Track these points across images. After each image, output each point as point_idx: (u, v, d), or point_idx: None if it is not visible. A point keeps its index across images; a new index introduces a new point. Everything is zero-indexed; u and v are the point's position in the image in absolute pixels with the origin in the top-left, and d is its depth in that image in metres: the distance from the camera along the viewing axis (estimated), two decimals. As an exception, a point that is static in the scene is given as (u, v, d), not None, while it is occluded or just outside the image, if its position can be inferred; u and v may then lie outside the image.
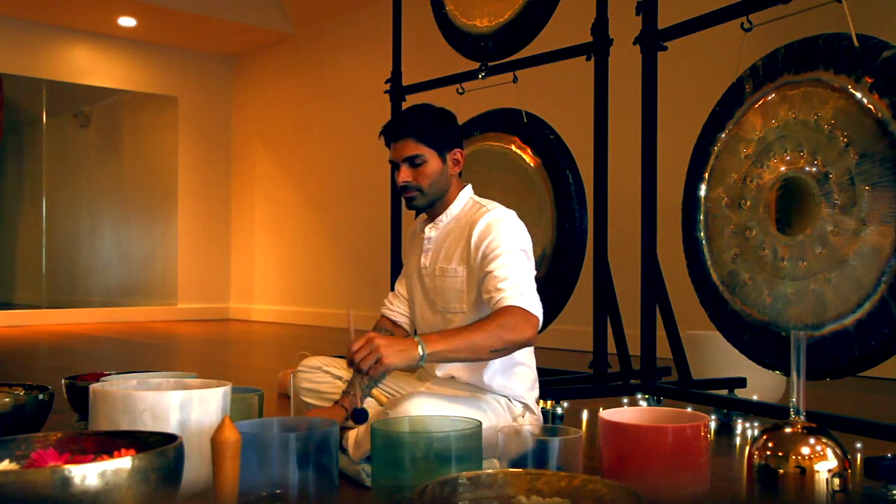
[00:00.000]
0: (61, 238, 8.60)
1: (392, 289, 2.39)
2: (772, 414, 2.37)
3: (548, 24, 3.14)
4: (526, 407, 2.05)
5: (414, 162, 2.04)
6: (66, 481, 1.19)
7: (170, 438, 1.43)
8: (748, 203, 2.36)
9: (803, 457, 1.51)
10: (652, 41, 2.78)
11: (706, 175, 2.52)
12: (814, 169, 2.16)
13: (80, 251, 8.84)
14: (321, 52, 7.76)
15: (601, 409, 1.85)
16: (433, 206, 2.12)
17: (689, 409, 1.89)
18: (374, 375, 1.70)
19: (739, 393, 2.87)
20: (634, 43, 2.82)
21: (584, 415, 2.85)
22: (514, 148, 3.26)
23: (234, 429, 1.45)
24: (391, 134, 2.08)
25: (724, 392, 2.85)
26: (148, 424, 1.56)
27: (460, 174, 2.14)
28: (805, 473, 1.51)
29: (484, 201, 2.09)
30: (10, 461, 1.41)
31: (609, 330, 2.97)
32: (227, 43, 8.30)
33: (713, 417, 2.66)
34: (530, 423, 1.99)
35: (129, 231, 8.85)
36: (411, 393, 1.91)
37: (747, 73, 2.40)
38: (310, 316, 7.66)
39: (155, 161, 8.78)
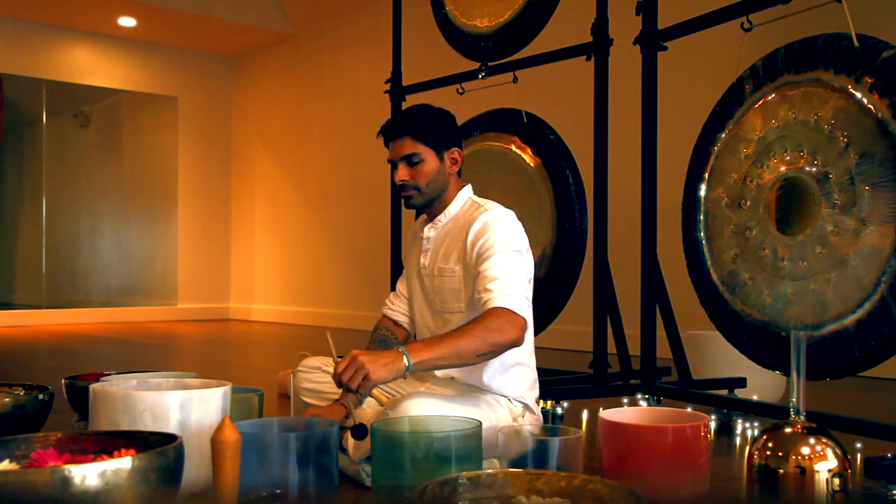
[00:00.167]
0: (61, 238, 8.60)
1: (393, 289, 2.39)
2: (772, 414, 2.37)
3: (548, 24, 3.14)
4: (526, 407, 2.05)
5: (411, 160, 2.05)
6: (66, 481, 1.19)
7: (170, 438, 1.43)
8: (748, 203, 2.36)
9: (803, 457, 1.51)
10: (652, 41, 2.78)
11: (706, 175, 2.52)
12: (814, 169, 2.16)
13: (80, 251, 8.84)
14: (321, 52, 7.76)
15: (601, 409, 1.85)
16: (432, 206, 2.12)
17: (689, 409, 1.89)
18: (363, 392, 1.71)
19: (739, 393, 2.87)
20: (634, 43, 2.82)
21: (584, 415, 2.85)
22: (514, 148, 3.26)
23: (234, 429, 1.45)
24: (389, 133, 2.09)
25: (724, 392, 2.84)
26: (148, 424, 1.55)
27: (459, 174, 2.14)
28: (805, 473, 1.51)
29: (483, 201, 2.09)
30: (10, 461, 1.41)
31: (609, 330, 2.97)
32: (227, 43, 8.31)
33: (713, 417, 2.66)
34: (530, 423, 1.99)
35: (129, 231, 8.85)
36: (411, 393, 1.91)
37: (747, 73, 2.40)
38: (310, 316, 7.66)
39: (155, 161, 8.78)
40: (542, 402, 2.55)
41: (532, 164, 3.19)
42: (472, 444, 1.54)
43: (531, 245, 2.08)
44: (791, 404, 1.62)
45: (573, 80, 4.51)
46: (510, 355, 1.99)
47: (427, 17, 3.58)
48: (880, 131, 2.00)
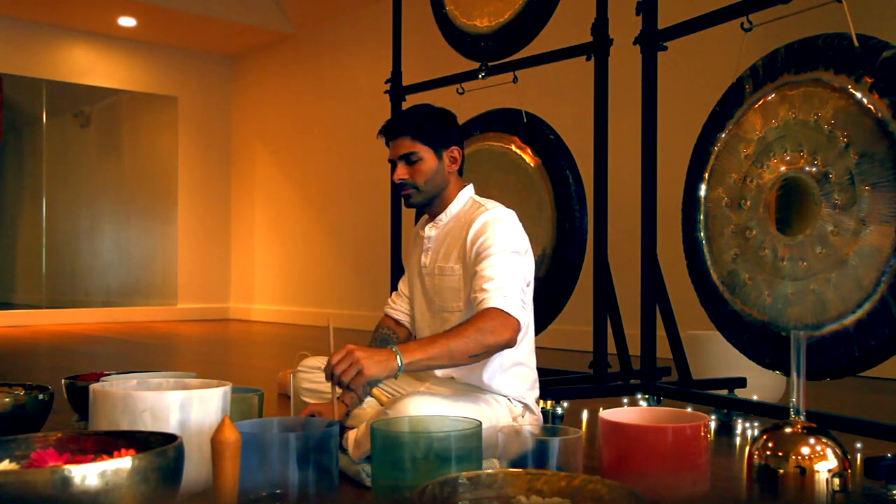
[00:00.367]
0: (61, 238, 8.60)
1: (394, 288, 2.40)
2: (772, 414, 2.37)
3: (548, 24, 3.14)
4: (526, 407, 2.05)
5: (410, 159, 2.06)
6: (66, 481, 1.19)
7: (170, 438, 1.43)
8: (748, 203, 2.36)
9: (803, 457, 1.51)
10: (652, 41, 2.78)
11: (706, 175, 2.52)
12: (814, 169, 2.16)
13: (80, 251, 8.85)
14: (321, 52, 7.76)
15: (601, 409, 1.85)
16: (432, 205, 2.13)
17: (689, 409, 1.89)
18: (354, 388, 1.71)
19: (739, 393, 2.87)
20: (634, 43, 2.82)
21: (584, 415, 2.85)
22: (514, 148, 3.26)
23: (234, 429, 1.45)
24: (388, 132, 2.10)
25: (724, 392, 2.84)
26: (148, 424, 1.55)
27: (460, 173, 2.14)
28: (805, 473, 1.51)
29: (484, 201, 2.09)
30: (10, 461, 1.41)
31: (609, 330, 2.97)
32: (227, 43, 8.31)
33: (713, 417, 2.66)
34: (530, 423, 1.99)
35: (129, 231, 8.85)
36: (411, 393, 1.91)
37: (747, 73, 2.40)
38: (310, 316, 7.66)
39: (155, 161, 8.79)
40: (542, 402, 2.55)
41: (532, 164, 3.19)
42: (472, 444, 1.54)
43: (531, 245, 2.08)
44: (791, 404, 1.62)
45: (573, 80, 4.51)
46: (510, 355, 1.99)
47: (427, 17, 3.58)
48: (880, 131, 2.00)
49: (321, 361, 2.30)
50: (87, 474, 1.21)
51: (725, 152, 2.46)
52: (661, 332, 2.80)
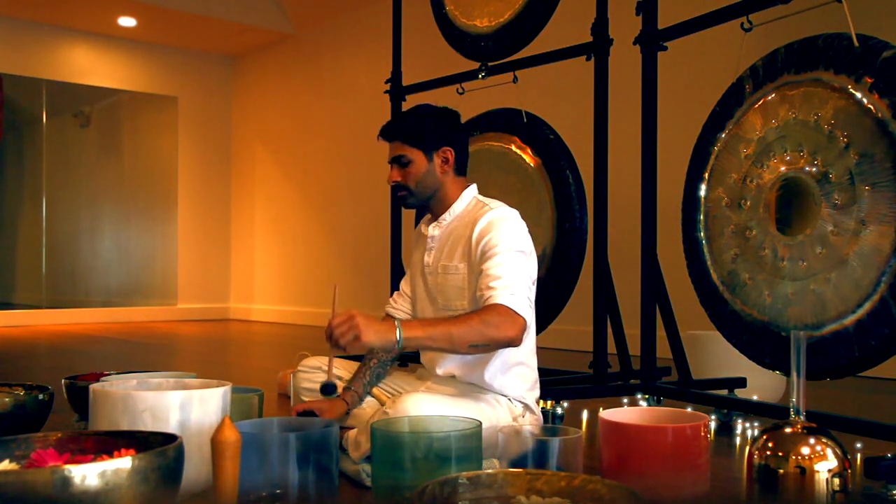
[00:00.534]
0: (61, 238, 8.60)
1: (395, 288, 2.40)
2: (772, 414, 2.37)
3: (548, 24, 3.14)
4: (526, 407, 2.05)
5: (401, 162, 2.09)
6: (66, 481, 1.19)
7: (170, 438, 1.43)
8: (748, 203, 2.36)
9: (803, 457, 1.51)
10: (652, 41, 2.78)
11: (706, 175, 2.52)
12: (814, 169, 2.16)
13: (80, 251, 8.85)
14: (321, 52, 7.76)
15: (601, 409, 1.85)
16: (430, 205, 2.14)
17: (689, 409, 1.89)
18: (349, 352, 1.73)
19: (739, 393, 2.87)
20: (634, 43, 2.82)
21: (584, 415, 2.85)
22: (514, 148, 3.26)
23: (234, 429, 1.45)
24: (383, 135, 2.15)
25: (724, 392, 2.85)
26: (148, 424, 1.55)
27: (462, 172, 2.14)
28: (805, 473, 1.51)
29: (488, 200, 2.10)
30: (10, 461, 1.41)
31: (609, 330, 2.97)
32: (227, 43, 8.31)
33: (713, 417, 2.66)
34: (530, 423, 1.99)
35: (129, 231, 8.85)
36: (411, 392, 1.91)
37: (747, 73, 2.40)
38: (310, 316, 7.66)
39: (155, 161, 8.79)
40: (542, 402, 2.55)
41: (532, 164, 3.19)
42: (472, 444, 1.54)
43: (531, 245, 2.08)
44: (791, 404, 1.62)
45: (573, 80, 4.52)
46: (512, 355, 1.99)
47: (427, 17, 3.58)
48: (880, 131, 2.00)
49: (321, 361, 2.30)
50: (87, 474, 1.21)
51: (725, 152, 2.46)
52: (661, 332, 2.80)
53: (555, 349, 4.86)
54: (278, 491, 1.48)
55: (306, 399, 2.28)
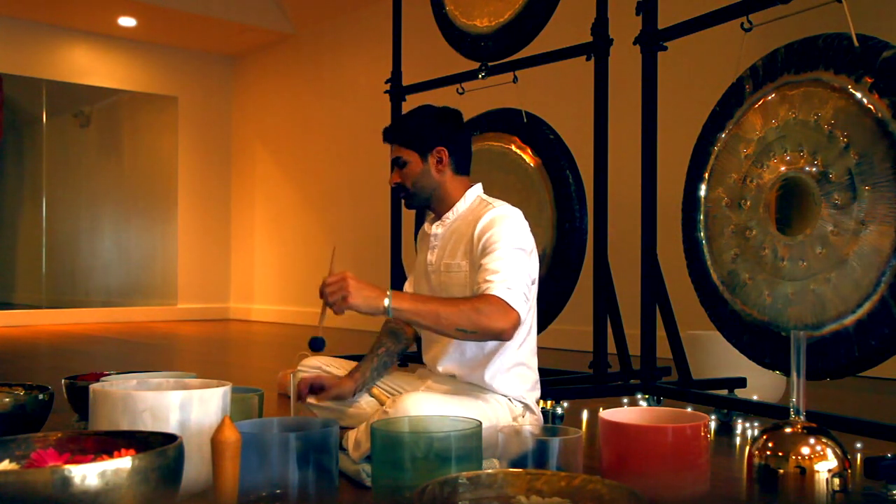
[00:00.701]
0: (61, 238, 8.60)
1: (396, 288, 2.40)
2: (772, 414, 2.37)
3: (548, 24, 3.14)
4: (526, 407, 2.05)
5: (399, 163, 2.11)
6: (66, 481, 1.19)
7: (170, 438, 1.43)
8: (748, 203, 2.36)
9: (803, 457, 1.51)
10: (652, 41, 2.78)
11: (706, 175, 2.52)
12: (814, 169, 2.16)
13: (80, 251, 8.85)
14: (321, 52, 7.76)
15: (601, 409, 1.85)
16: (432, 205, 2.15)
17: (689, 409, 1.89)
18: (337, 311, 1.77)
19: (739, 393, 2.87)
20: (634, 43, 2.82)
21: (584, 415, 2.85)
22: (514, 148, 3.26)
23: (234, 429, 1.45)
24: (384, 138, 2.17)
25: (724, 392, 2.85)
26: (148, 424, 1.55)
27: (462, 171, 2.14)
28: (805, 473, 1.51)
29: (492, 199, 2.10)
30: (10, 461, 1.41)
31: (609, 330, 2.97)
32: (227, 43, 8.31)
33: (713, 417, 2.66)
34: (530, 423, 1.99)
35: (129, 231, 8.85)
36: (411, 392, 1.91)
37: (747, 73, 2.40)
38: (310, 316, 7.66)
39: (155, 161, 8.79)
40: (542, 402, 2.55)
41: (532, 164, 3.19)
42: (472, 444, 1.54)
43: (531, 245, 2.08)
44: (791, 404, 1.62)
45: (573, 80, 4.51)
46: (512, 355, 1.99)
47: (427, 17, 3.58)
48: (880, 131, 2.00)
49: (321, 361, 2.30)
50: (87, 474, 1.21)
51: (725, 152, 2.46)
52: (661, 332, 2.80)
53: (555, 349, 4.86)
54: (278, 491, 1.48)
55: (310, 400, 2.28)
